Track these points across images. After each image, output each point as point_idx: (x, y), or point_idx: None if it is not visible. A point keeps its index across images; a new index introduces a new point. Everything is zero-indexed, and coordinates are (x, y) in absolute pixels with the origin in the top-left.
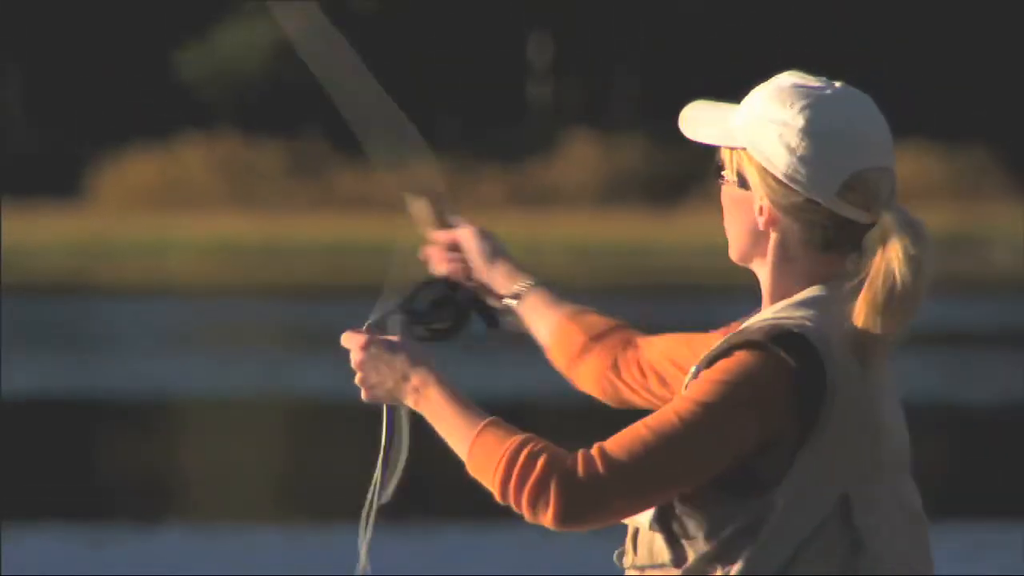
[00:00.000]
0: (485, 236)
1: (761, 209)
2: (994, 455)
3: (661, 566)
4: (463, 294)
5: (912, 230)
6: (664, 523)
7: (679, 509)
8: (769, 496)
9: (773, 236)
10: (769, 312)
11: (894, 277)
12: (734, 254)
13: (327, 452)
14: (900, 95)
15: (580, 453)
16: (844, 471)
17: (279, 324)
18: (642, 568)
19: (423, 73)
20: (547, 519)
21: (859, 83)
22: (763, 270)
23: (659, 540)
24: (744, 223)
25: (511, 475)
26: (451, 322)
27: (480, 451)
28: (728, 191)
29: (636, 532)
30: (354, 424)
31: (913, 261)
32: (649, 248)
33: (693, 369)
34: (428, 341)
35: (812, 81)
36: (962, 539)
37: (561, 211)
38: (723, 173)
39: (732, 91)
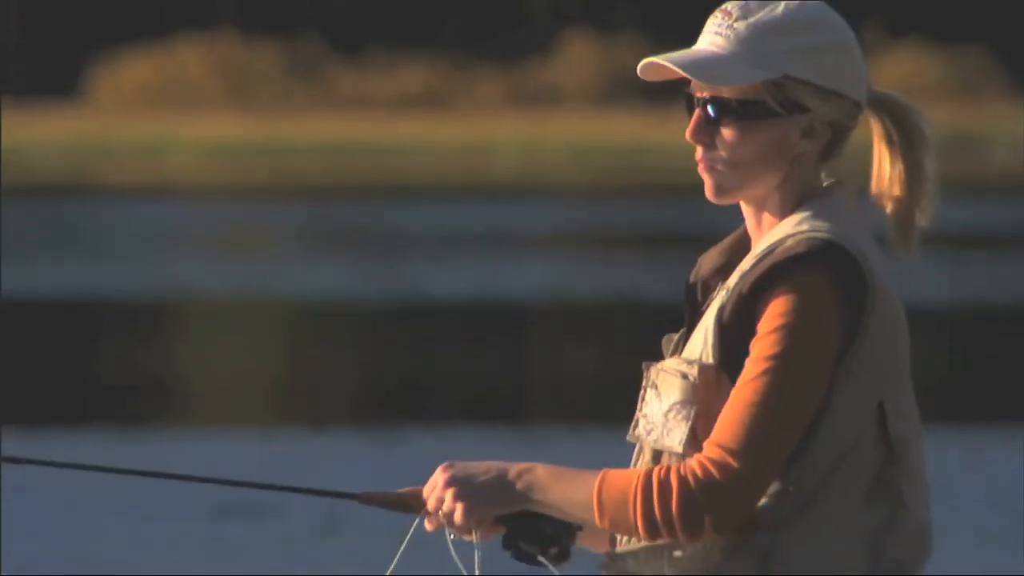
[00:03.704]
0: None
1: (808, 129)
2: (996, 356)
3: None
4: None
5: (917, 114)
6: (696, 445)
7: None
8: (822, 405)
9: (806, 154)
10: (789, 227)
11: (923, 163)
12: (742, 184)
13: (328, 353)
14: None
15: (698, 460)
16: (881, 378)
17: (278, 224)
18: None
19: None
20: (705, 531)
21: None
22: (774, 192)
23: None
24: (772, 151)
25: (653, 509)
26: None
27: (609, 502)
28: (754, 125)
29: (657, 456)
30: (355, 325)
31: (931, 142)
32: (648, 149)
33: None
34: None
35: None
36: (964, 444)
37: (560, 112)
38: (737, 111)
39: None
